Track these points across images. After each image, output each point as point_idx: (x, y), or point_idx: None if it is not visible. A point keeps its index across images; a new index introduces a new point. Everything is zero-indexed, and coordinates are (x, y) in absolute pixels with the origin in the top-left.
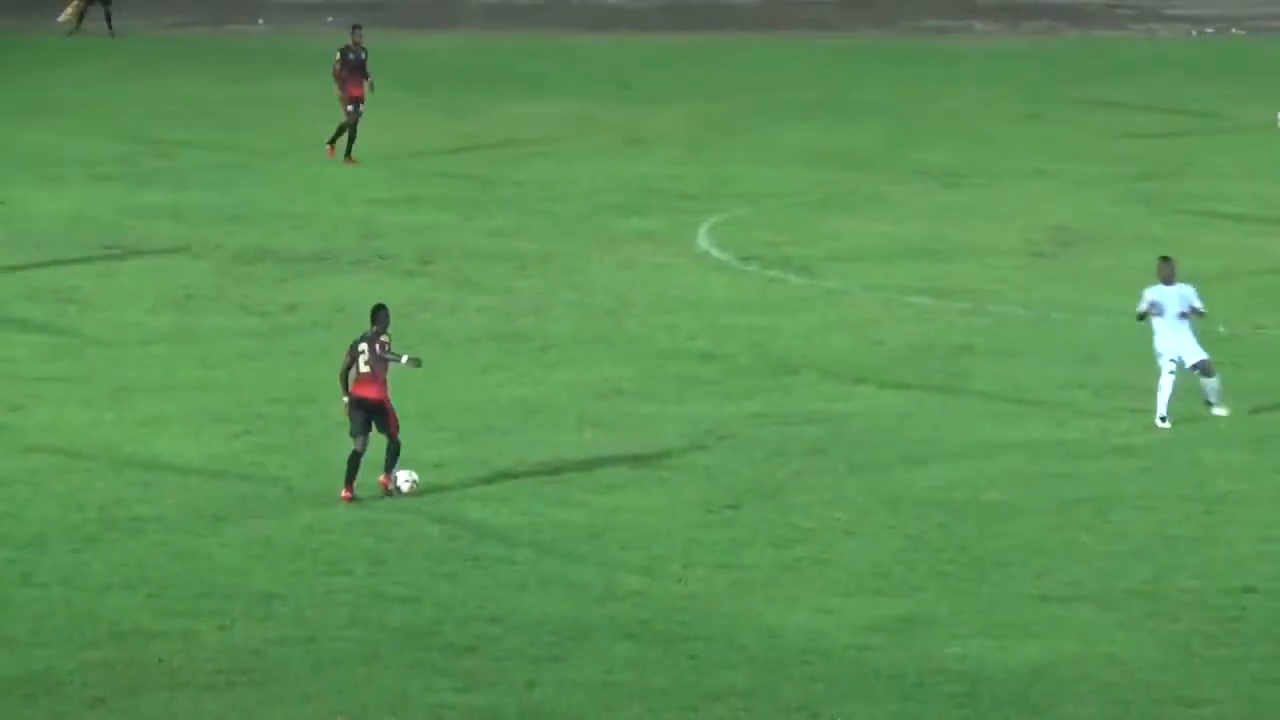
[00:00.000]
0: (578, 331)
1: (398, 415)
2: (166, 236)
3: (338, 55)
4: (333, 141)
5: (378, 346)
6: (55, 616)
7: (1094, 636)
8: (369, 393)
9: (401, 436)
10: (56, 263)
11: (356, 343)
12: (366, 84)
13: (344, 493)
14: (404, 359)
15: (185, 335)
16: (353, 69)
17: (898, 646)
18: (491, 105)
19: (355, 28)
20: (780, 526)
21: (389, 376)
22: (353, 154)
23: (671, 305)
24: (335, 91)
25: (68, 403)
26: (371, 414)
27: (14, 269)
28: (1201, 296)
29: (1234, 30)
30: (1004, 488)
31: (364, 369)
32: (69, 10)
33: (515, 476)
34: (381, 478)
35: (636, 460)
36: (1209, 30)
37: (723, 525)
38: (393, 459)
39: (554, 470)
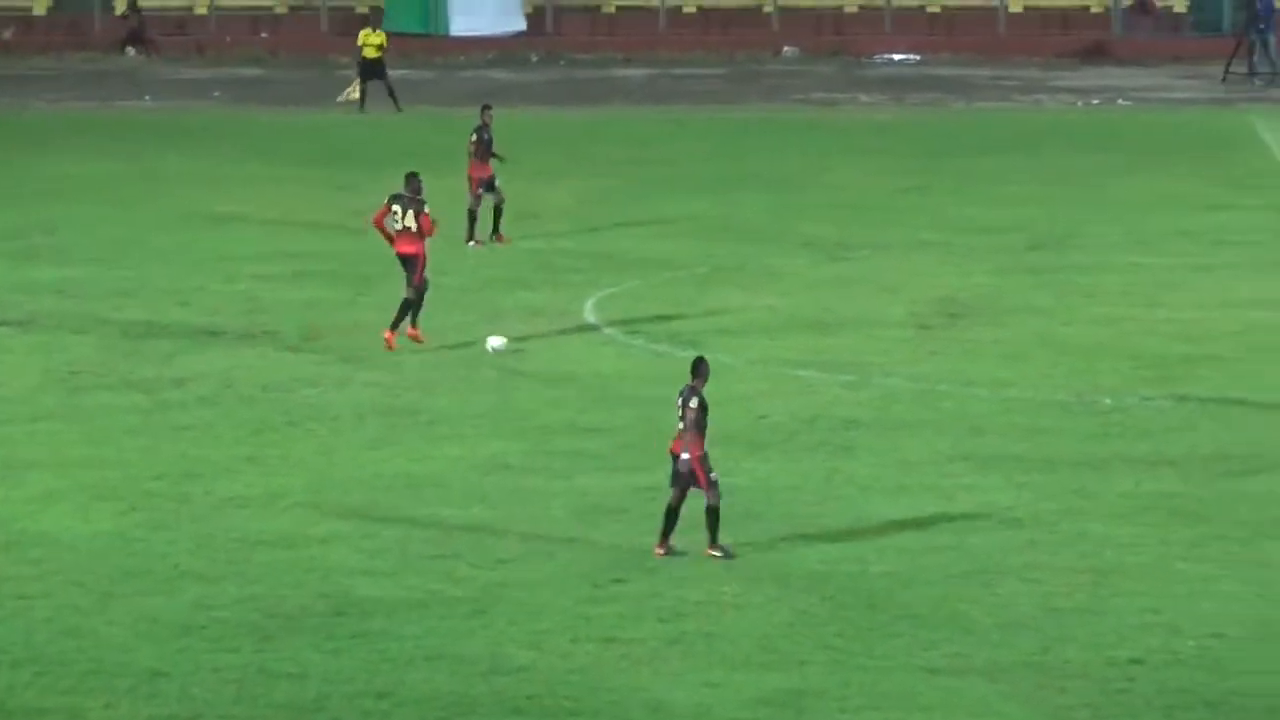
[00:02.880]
0: (465, 406)
1: (706, 473)
2: (53, 312)
3: (474, 135)
4: (495, 232)
5: (680, 415)
6: None
7: (983, 709)
8: (678, 447)
9: (289, 510)
10: None
11: (685, 396)
12: (494, 161)
13: (657, 549)
14: (681, 460)
15: (72, 412)
16: (485, 149)
17: None
18: (376, 180)
19: (486, 108)
20: (668, 600)
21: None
22: (501, 231)
23: (559, 379)
24: (471, 173)
25: None
26: (683, 472)
27: None
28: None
29: (1120, 101)
30: (891, 560)
31: (679, 424)
32: (352, 90)
33: (402, 551)
34: (708, 549)
35: (524, 535)
36: (1095, 101)
37: (610, 599)
38: (712, 524)
39: (440, 545)
